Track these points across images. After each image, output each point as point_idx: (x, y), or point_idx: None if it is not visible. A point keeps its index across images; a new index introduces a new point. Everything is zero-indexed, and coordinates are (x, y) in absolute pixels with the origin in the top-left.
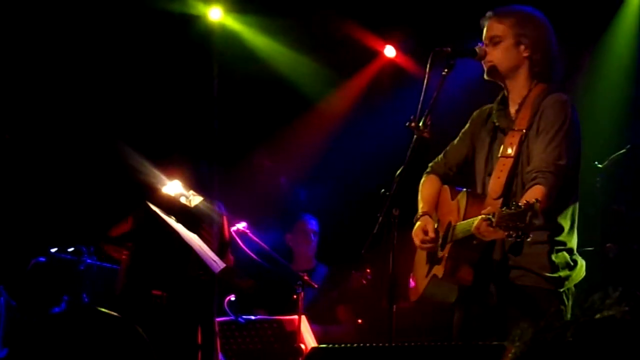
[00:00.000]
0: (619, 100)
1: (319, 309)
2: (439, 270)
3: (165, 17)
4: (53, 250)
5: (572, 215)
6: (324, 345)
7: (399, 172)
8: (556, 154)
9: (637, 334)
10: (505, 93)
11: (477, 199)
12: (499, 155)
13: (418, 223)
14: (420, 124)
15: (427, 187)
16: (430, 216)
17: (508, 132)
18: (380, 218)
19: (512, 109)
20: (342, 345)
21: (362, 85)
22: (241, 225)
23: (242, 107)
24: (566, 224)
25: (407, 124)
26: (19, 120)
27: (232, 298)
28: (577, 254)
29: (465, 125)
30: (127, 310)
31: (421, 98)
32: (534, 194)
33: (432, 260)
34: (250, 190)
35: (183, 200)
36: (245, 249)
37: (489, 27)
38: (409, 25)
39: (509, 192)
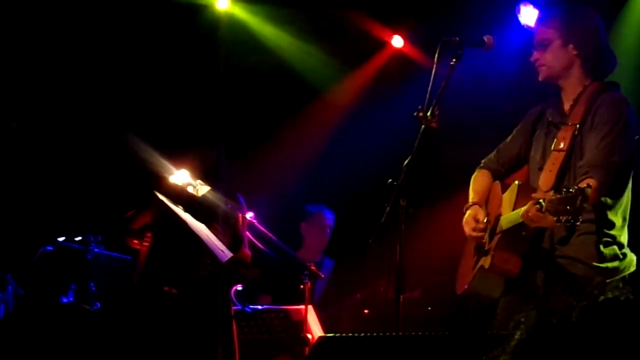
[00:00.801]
0: (626, 95)
1: (323, 303)
2: (486, 261)
3: (172, 6)
4: (60, 239)
5: (624, 212)
6: (331, 335)
7: (406, 162)
8: (609, 151)
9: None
10: (560, 91)
11: (527, 191)
12: (552, 149)
13: (468, 212)
14: (428, 114)
15: (478, 180)
16: (480, 206)
17: (561, 127)
18: (388, 208)
19: (567, 105)
20: (349, 334)
21: (370, 75)
22: (248, 215)
23: (249, 96)
24: (617, 221)
25: (414, 114)
26: (26, 108)
27: (239, 288)
28: (627, 248)
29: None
30: (143, 300)
31: (429, 88)
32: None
33: (480, 252)
34: (256, 181)
35: (190, 189)
36: (252, 238)
37: (538, 32)
38: (417, 15)
39: (560, 185)
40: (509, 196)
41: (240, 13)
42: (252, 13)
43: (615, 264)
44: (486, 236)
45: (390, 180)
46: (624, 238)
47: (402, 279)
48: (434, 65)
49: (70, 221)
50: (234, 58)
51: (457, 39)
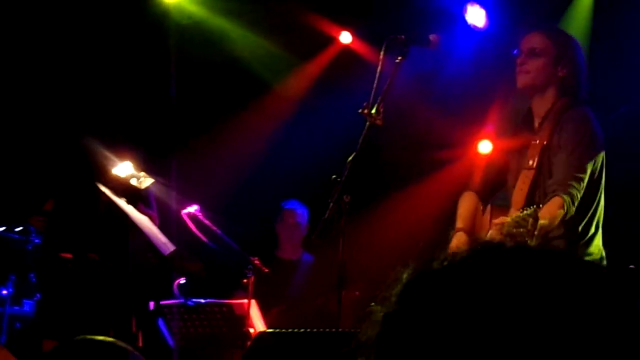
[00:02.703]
0: None
1: (302, 300)
2: None
3: None
4: (0, 229)
5: (597, 222)
6: (270, 330)
7: (350, 158)
8: (576, 167)
9: (526, 257)
10: (531, 106)
11: (501, 211)
12: (522, 167)
13: (453, 239)
14: (373, 111)
15: (464, 204)
16: (466, 232)
17: (530, 145)
18: (331, 204)
19: (536, 122)
20: (289, 330)
21: (317, 71)
22: (193, 209)
23: (199, 88)
24: (591, 232)
25: (359, 111)
26: None
27: (182, 281)
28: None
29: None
30: (43, 275)
31: (374, 85)
32: (553, 205)
33: None
34: (202, 173)
35: (134, 182)
36: (197, 231)
37: (530, 38)
38: (365, 11)
39: (532, 204)
40: (486, 218)
41: (189, 5)
42: (201, 5)
43: None
44: None
45: (334, 176)
46: (598, 250)
47: (344, 275)
48: (380, 63)
49: (10, 211)
50: (183, 50)
51: (403, 37)
